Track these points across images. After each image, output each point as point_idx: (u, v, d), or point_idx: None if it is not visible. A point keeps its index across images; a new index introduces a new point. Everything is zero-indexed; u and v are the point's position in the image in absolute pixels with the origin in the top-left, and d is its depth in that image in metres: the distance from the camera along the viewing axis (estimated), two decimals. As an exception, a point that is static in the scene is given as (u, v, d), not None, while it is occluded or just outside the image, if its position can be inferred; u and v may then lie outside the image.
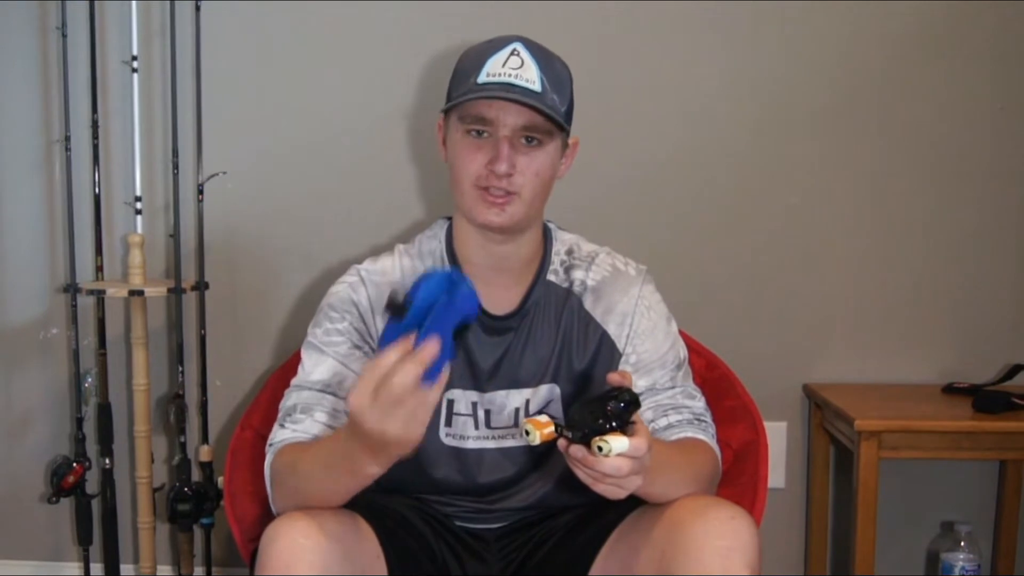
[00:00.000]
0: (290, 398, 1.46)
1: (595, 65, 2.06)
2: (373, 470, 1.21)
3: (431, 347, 1.09)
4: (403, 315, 1.12)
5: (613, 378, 1.22)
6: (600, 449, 1.16)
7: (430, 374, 1.10)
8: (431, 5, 2.09)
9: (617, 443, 1.16)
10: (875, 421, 1.88)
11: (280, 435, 1.42)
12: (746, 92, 2.13)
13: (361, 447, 1.17)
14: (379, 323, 1.49)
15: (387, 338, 1.13)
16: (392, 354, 1.10)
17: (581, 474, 1.20)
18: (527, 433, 1.19)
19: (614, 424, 1.17)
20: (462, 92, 1.42)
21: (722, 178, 2.15)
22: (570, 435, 1.19)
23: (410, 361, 1.09)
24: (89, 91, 2.05)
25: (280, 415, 1.45)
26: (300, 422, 1.42)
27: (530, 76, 1.40)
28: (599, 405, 1.18)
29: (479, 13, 2.05)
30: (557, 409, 1.51)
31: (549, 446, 1.51)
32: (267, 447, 1.43)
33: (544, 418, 1.20)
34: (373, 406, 1.11)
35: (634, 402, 1.19)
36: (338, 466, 1.25)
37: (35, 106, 2.13)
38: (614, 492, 1.21)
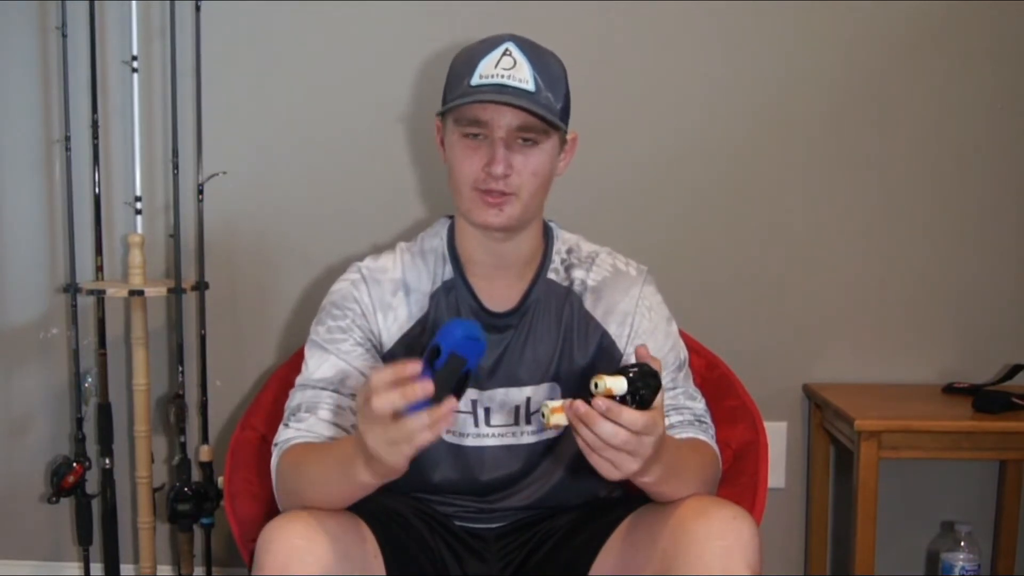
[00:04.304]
0: (295, 398, 1.46)
1: (595, 65, 2.06)
2: (364, 478, 1.23)
3: (419, 389, 1.11)
4: (436, 360, 1.14)
5: (641, 352, 1.20)
6: (596, 386, 1.14)
7: (414, 407, 1.12)
8: (431, 4, 2.09)
9: (614, 382, 1.14)
10: (875, 421, 1.88)
11: (285, 435, 1.42)
12: (746, 92, 2.13)
13: (357, 449, 1.20)
14: (380, 320, 1.49)
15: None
16: (385, 375, 1.13)
17: (580, 441, 1.18)
18: (543, 416, 1.17)
19: (638, 395, 1.15)
20: (456, 95, 1.42)
21: (722, 178, 2.15)
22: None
23: (394, 390, 1.12)
24: (89, 91, 2.05)
25: (285, 415, 1.46)
26: (304, 420, 1.42)
27: (523, 76, 1.40)
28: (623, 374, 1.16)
29: (480, 12, 2.05)
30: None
31: (551, 441, 1.52)
32: (272, 447, 1.44)
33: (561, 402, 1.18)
34: (361, 411, 1.16)
35: (654, 375, 1.16)
36: (335, 467, 1.28)
37: (35, 106, 2.13)
38: (608, 469, 1.18)
